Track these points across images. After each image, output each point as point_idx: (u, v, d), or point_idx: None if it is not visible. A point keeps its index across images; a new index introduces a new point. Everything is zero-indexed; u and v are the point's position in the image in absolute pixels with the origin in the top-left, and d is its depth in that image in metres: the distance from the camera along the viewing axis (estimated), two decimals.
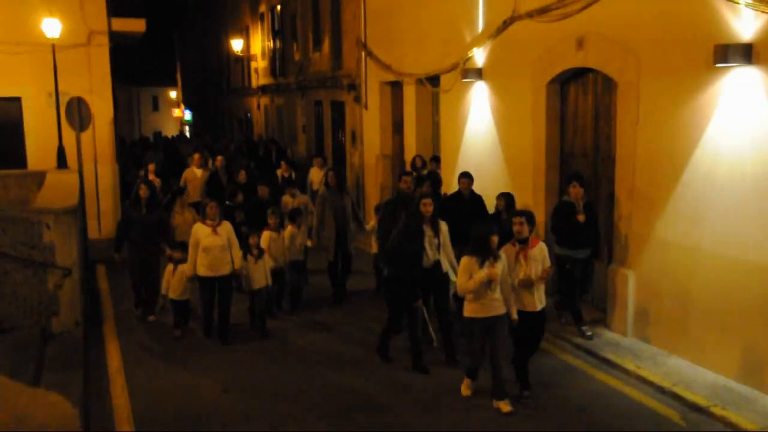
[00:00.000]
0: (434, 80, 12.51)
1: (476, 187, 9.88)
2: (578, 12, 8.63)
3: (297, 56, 20.97)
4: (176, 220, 11.59)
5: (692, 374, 7.21)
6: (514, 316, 6.70)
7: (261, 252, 8.90)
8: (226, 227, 8.63)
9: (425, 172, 11.59)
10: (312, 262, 10.52)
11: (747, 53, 6.60)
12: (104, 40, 14.84)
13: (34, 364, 7.42)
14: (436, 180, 10.43)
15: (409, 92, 13.68)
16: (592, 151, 9.21)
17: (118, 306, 10.23)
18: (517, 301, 6.77)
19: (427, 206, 7.78)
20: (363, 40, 15.24)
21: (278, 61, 23.50)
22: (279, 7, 23.05)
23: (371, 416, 6.68)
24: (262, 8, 25.16)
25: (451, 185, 11.37)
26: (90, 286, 11.21)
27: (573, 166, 9.51)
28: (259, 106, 26.72)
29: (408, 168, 12.52)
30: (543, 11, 9.26)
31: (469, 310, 6.71)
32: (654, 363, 7.54)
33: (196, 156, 13.62)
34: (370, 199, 15.17)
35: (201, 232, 8.49)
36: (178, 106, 50.39)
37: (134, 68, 44.05)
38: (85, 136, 13.98)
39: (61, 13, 13.73)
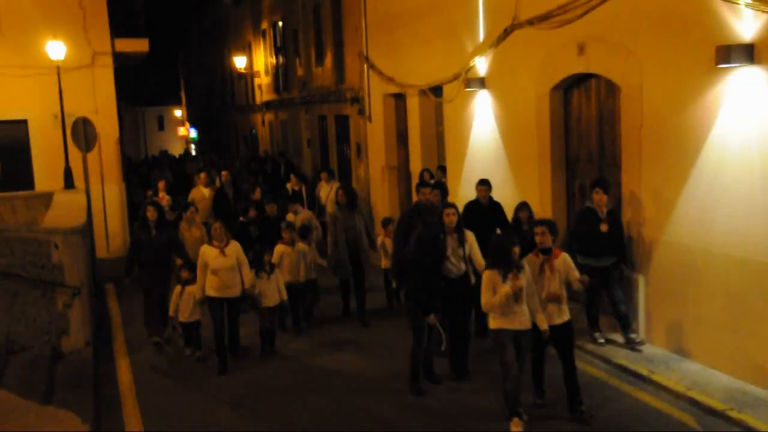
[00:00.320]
0: (437, 90, 12.54)
1: None
2: (578, 18, 8.65)
3: (300, 71, 21.07)
4: (183, 238, 11.57)
5: (707, 378, 7.14)
6: (544, 326, 6.39)
7: (272, 267, 8.81)
8: (234, 247, 8.40)
9: (432, 182, 11.56)
10: (324, 280, 10.29)
11: (749, 53, 6.59)
12: (108, 61, 14.95)
13: (45, 384, 7.44)
14: (442, 189, 10.39)
15: (413, 103, 13.71)
16: (598, 155, 9.20)
17: (127, 324, 10.23)
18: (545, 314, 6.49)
19: (451, 216, 7.47)
20: (365, 53, 15.32)
21: (281, 76, 23.61)
22: (280, 23, 23.18)
23: None
24: (264, 25, 25.32)
25: (456, 194, 11.37)
26: (99, 305, 11.23)
27: (578, 172, 9.50)
28: (263, 122, 26.82)
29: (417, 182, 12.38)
30: (543, 18, 9.28)
31: (495, 322, 6.41)
32: (667, 367, 7.47)
33: (203, 175, 13.50)
34: (378, 210, 15.17)
35: (209, 253, 8.27)
36: (184, 125, 50.67)
37: (139, 88, 44.35)
38: (92, 156, 14.09)
39: (65, 35, 13.86)
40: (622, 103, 8.37)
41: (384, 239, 10.27)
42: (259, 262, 8.72)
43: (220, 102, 34.69)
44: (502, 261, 6.31)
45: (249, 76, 27.47)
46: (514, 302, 6.26)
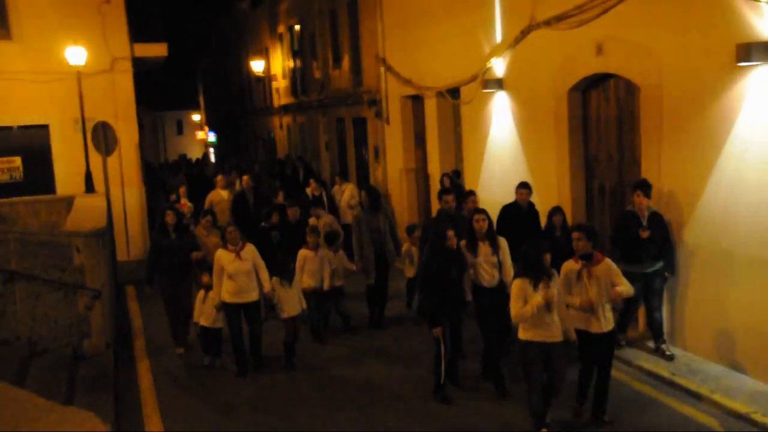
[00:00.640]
0: (455, 92, 12.51)
1: (500, 197, 9.76)
2: (596, 18, 8.59)
3: (317, 74, 21.13)
4: (204, 244, 11.55)
5: (730, 380, 7.05)
6: (573, 336, 6.17)
7: (293, 273, 8.57)
8: (250, 250, 8.23)
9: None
10: (349, 285, 9.98)
11: None
12: (127, 66, 15.09)
13: (67, 386, 7.51)
14: (457, 192, 10.30)
15: (430, 105, 13.69)
16: (617, 156, 9.12)
17: (148, 327, 10.30)
18: (581, 320, 6.24)
19: (481, 222, 7.23)
20: (382, 55, 15.32)
21: (299, 80, 23.69)
22: (297, 26, 23.28)
23: None
24: (281, 29, 25.44)
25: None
26: (120, 307, 11.32)
27: (598, 172, 9.42)
28: (281, 126, 26.94)
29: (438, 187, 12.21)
30: (561, 18, 9.23)
31: (526, 333, 6.13)
32: (689, 370, 7.39)
33: (220, 178, 13.52)
34: (395, 212, 15.13)
35: (224, 258, 8.11)
36: (202, 129, 51.00)
37: (158, 92, 44.71)
38: (112, 160, 14.21)
39: (85, 40, 14.00)
40: (641, 103, 8.30)
41: (410, 247, 9.97)
42: (284, 271, 8.47)
43: (238, 106, 34.90)
44: (533, 269, 6.06)
45: (267, 79, 27.61)
46: (546, 312, 6.01)
